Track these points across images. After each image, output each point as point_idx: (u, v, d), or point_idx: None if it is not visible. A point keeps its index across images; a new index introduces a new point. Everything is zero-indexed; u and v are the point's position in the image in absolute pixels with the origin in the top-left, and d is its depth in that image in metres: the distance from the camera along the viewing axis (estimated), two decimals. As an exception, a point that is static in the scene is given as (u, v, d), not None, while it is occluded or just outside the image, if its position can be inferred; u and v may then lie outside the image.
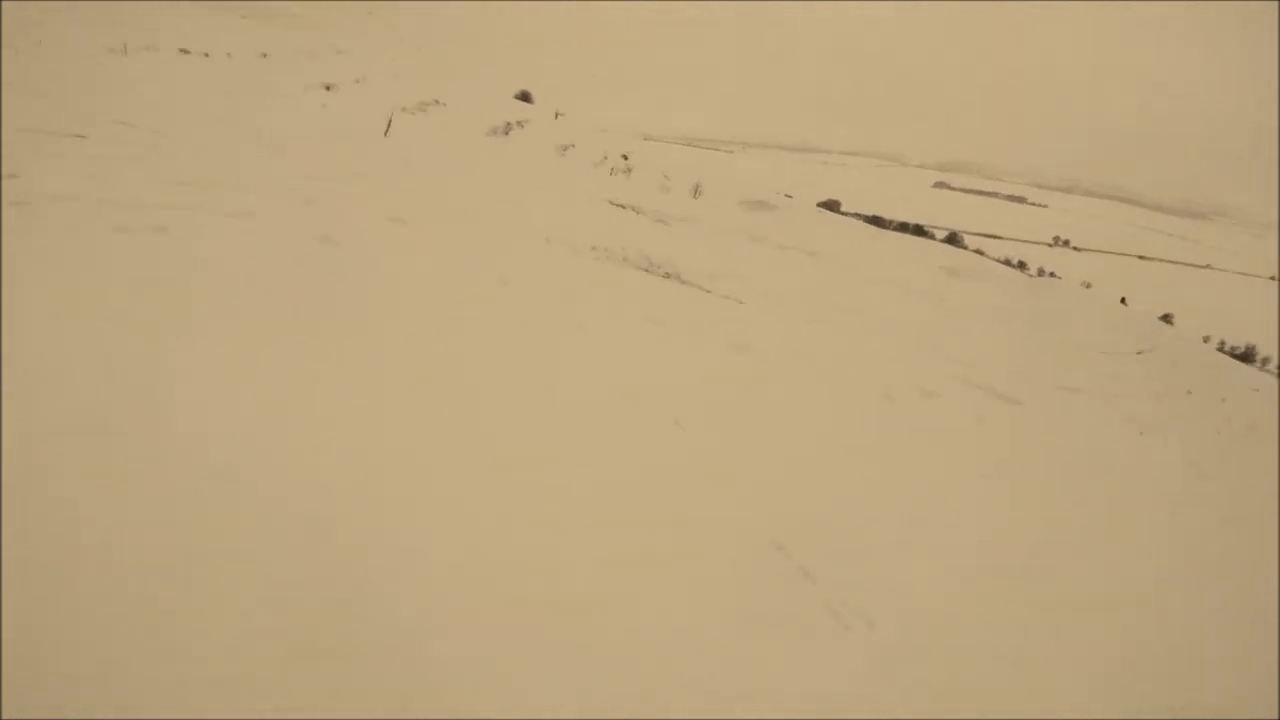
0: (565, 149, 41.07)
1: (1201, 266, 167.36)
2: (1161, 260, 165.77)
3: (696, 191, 39.85)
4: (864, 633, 4.49)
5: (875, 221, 78.11)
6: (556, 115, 52.78)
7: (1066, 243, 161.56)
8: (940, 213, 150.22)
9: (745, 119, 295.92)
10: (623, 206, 24.42)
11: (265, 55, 37.83)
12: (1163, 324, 51.35)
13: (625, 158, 44.87)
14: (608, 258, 14.96)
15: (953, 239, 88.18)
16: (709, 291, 14.92)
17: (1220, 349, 69.78)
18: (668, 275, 15.06)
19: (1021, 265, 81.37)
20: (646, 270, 14.96)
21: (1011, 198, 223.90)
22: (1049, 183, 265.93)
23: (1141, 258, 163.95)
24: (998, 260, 62.81)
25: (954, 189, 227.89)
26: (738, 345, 11.28)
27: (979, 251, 69.03)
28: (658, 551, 5.00)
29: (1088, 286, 70.29)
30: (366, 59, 45.58)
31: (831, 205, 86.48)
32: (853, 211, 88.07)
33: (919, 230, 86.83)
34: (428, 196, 15.36)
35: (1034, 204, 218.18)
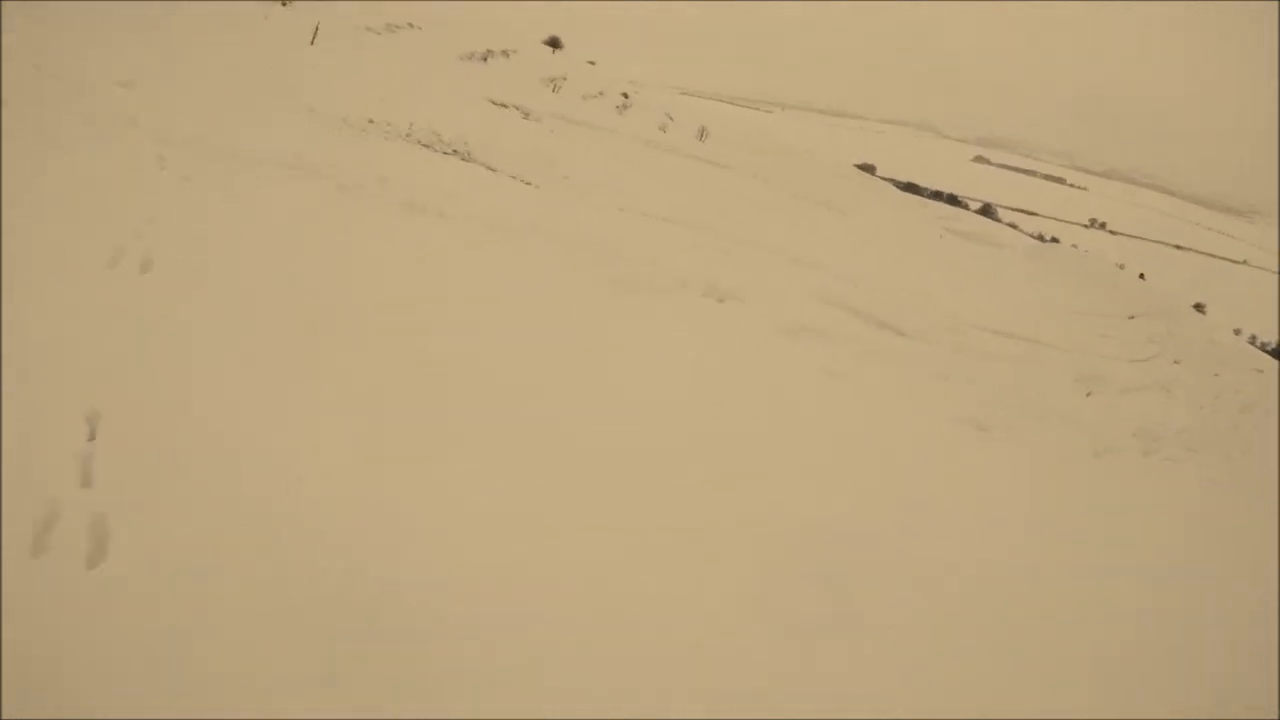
0: (554, 82, 38.14)
1: (1238, 262, 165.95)
2: (1197, 251, 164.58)
3: (703, 135, 37.48)
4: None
5: (910, 188, 77.77)
6: (554, 49, 49.50)
7: (1103, 225, 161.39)
8: (977, 186, 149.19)
9: (785, 82, 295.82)
10: (504, 105, 23.48)
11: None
12: (1191, 309, 48.26)
13: (625, 95, 42.29)
14: (384, 133, 13.88)
15: (987, 211, 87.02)
16: (494, 170, 13.92)
17: (1251, 343, 66.70)
18: (453, 153, 14.29)
19: (1055, 241, 79.17)
20: (426, 146, 14.11)
21: (1050, 178, 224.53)
22: (1088, 167, 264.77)
23: (1178, 247, 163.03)
24: (1029, 234, 60.84)
25: (992, 164, 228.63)
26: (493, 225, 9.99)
27: (1013, 225, 66.68)
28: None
29: (1121, 268, 68.05)
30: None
31: (867, 168, 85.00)
32: (888, 177, 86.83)
33: (953, 199, 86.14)
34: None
35: (1073, 186, 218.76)
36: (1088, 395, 12.59)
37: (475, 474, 4.71)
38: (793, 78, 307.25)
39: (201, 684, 2.89)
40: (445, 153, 13.95)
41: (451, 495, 4.45)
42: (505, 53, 40.03)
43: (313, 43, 24.70)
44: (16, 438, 3.68)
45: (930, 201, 57.24)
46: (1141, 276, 62.72)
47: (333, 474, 4.27)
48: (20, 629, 2.82)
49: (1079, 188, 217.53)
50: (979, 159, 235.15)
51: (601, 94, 39.79)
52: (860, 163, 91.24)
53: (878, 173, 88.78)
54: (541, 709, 3.26)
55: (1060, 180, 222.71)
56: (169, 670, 2.90)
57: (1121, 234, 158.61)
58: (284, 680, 3.01)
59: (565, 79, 39.24)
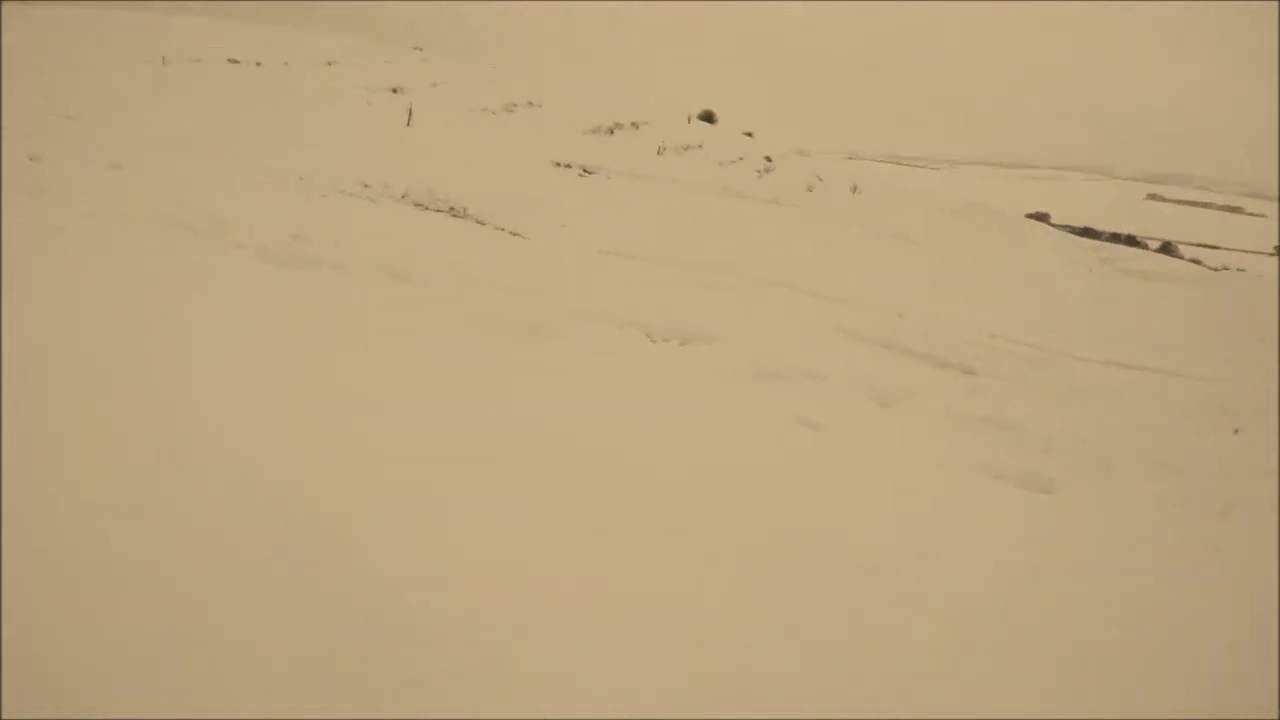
0: (684, 150, 37.44)
1: None
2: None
3: (855, 189, 38.19)
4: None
5: (1086, 233, 75.88)
6: (690, 120, 48.98)
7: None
8: (1154, 223, 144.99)
9: (954, 139, 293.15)
10: (567, 166, 23.11)
11: (330, 63, 35.50)
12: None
13: (768, 159, 42.09)
14: (371, 196, 13.77)
15: (1167, 248, 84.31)
16: (482, 224, 13.78)
17: None
18: (448, 210, 14.16)
19: (1241, 271, 76.35)
20: (419, 205, 14.01)
21: (1227, 208, 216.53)
22: (1265, 193, 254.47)
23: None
24: (1211, 268, 58.63)
25: (1167, 200, 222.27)
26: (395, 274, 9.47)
27: (1195, 261, 64.18)
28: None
29: (1304, 293, 64.83)
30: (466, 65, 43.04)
31: (1040, 217, 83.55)
32: (1062, 224, 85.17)
33: (1131, 240, 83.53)
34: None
35: (1251, 214, 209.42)
36: (1235, 433, 11.02)
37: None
38: (961, 134, 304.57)
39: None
40: (437, 210, 13.76)
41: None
42: (635, 125, 39.35)
43: (409, 124, 24.47)
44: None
45: (1107, 245, 55.64)
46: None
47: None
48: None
49: (1258, 215, 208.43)
50: (1153, 196, 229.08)
51: (741, 159, 39.38)
52: (1032, 211, 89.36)
53: (1051, 220, 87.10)
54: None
55: (1238, 210, 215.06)
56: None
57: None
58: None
59: (700, 146, 38.66)
